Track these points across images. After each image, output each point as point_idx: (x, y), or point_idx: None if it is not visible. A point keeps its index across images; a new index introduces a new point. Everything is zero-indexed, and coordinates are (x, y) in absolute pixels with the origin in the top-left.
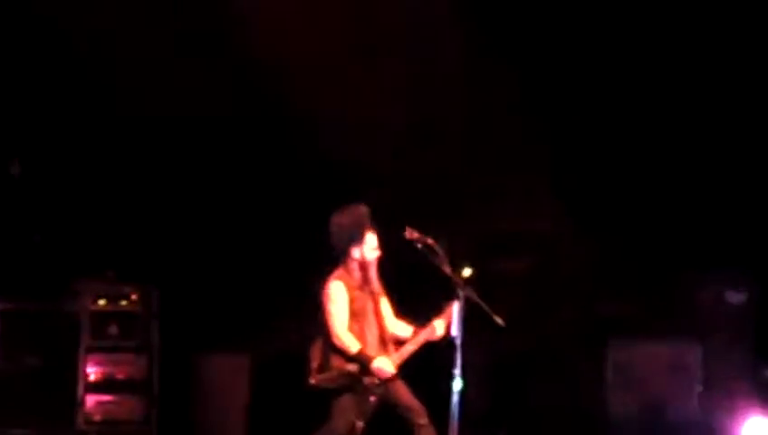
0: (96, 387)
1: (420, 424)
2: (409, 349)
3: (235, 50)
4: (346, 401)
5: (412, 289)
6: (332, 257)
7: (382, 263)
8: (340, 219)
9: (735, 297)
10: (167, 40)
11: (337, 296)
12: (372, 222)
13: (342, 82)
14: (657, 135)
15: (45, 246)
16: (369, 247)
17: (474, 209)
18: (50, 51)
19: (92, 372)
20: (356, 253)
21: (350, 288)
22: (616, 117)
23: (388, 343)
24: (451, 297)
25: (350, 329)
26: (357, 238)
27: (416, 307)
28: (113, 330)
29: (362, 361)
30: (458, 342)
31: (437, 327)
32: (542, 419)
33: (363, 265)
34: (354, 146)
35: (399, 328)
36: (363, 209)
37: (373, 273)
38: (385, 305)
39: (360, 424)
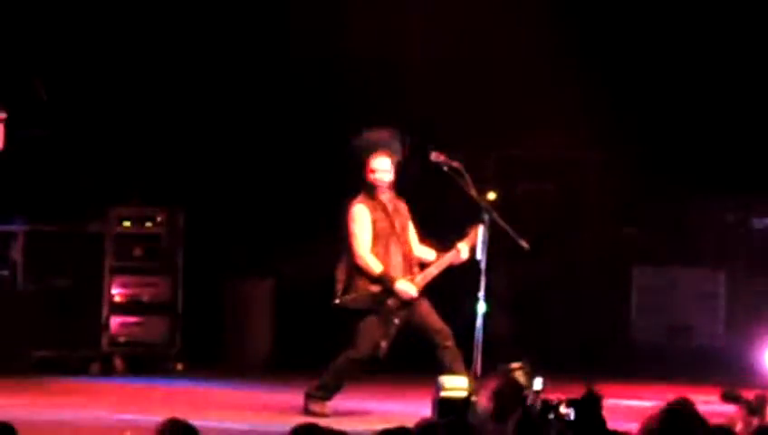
0: (121, 308)
1: (445, 346)
2: (433, 271)
3: None
4: (370, 323)
5: (437, 213)
6: (357, 180)
7: (406, 186)
8: (354, 142)
9: (761, 223)
10: None
11: (360, 218)
12: (384, 145)
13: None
14: (681, 64)
15: (72, 169)
16: (378, 171)
17: (503, 134)
18: None
19: (117, 294)
20: (367, 176)
21: (372, 210)
22: (641, 47)
23: (413, 265)
24: (475, 221)
25: (374, 251)
26: (365, 161)
27: (440, 231)
28: (138, 252)
29: (385, 282)
30: (483, 265)
31: (462, 250)
32: (566, 343)
33: (375, 188)
34: (387, 71)
35: (424, 252)
36: (374, 133)
37: (385, 195)
38: (410, 228)
39: (383, 345)
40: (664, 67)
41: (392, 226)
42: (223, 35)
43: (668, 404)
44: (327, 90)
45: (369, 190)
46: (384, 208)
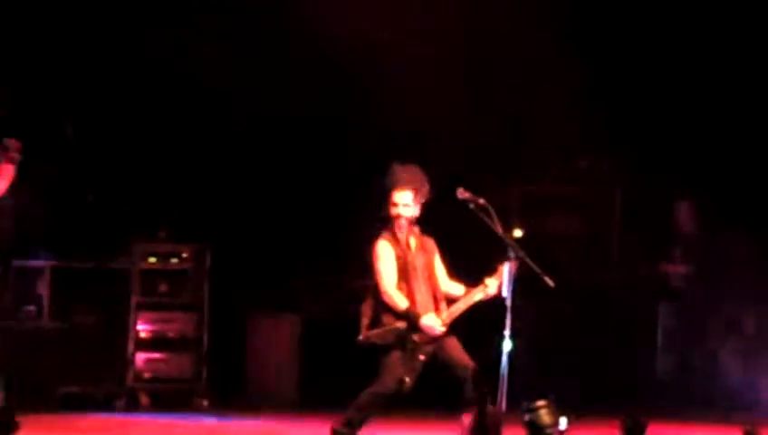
0: (146, 344)
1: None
2: (460, 307)
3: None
4: (395, 358)
5: (466, 249)
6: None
7: (434, 223)
8: (379, 180)
9: None
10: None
11: (383, 255)
12: (408, 180)
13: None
14: (712, 98)
15: (99, 206)
16: (400, 204)
17: (527, 170)
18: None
19: (143, 330)
20: (390, 210)
21: (395, 246)
22: (668, 80)
23: (440, 300)
24: (503, 258)
25: (398, 287)
26: (386, 196)
27: (469, 268)
28: (164, 288)
29: (411, 318)
30: (508, 302)
31: (490, 285)
32: (591, 380)
33: (398, 222)
34: (412, 108)
35: (452, 287)
36: (396, 168)
37: (409, 230)
38: (438, 264)
39: (408, 380)
40: (693, 101)
41: (416, 261)
42: (248, 77)
43: None
44: (350, 130)
45: (392, 226)
46: (407, 244)
